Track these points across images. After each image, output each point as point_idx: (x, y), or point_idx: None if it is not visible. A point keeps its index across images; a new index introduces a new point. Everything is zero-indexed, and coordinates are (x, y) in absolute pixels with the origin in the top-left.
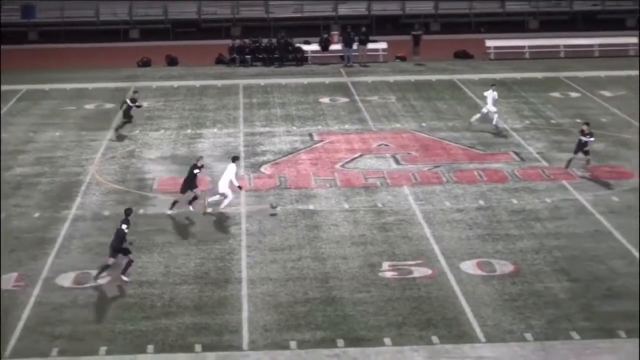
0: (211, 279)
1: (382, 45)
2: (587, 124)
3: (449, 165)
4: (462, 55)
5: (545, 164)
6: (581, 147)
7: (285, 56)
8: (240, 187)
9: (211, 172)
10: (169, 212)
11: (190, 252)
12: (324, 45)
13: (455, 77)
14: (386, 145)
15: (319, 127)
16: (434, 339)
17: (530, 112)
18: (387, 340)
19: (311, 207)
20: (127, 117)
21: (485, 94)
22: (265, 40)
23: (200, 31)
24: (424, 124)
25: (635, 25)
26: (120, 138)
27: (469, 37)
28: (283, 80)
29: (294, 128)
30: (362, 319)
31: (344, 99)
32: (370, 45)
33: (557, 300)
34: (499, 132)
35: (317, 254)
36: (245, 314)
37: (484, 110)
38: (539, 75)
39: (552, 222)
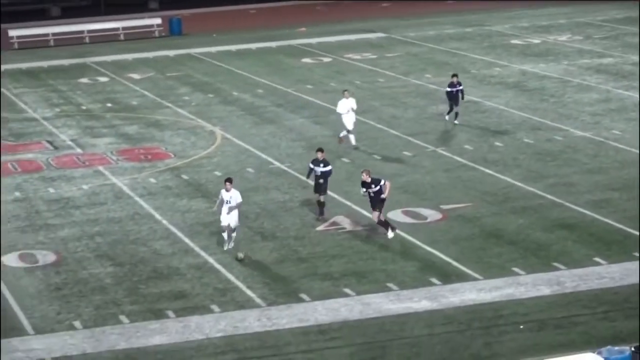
0: None
1: None
2: None
3: None
4: None
5: (79, 150)
6: None
7: None
8: None
9: None
10: None
11: None
12: None
13: None
14: None
15: None
16: None
17: (60, 100)
18: None
19: None
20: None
21: None
22: None
23: None
24: None
25: (157, 7)
26: None
27: None
28: None
29: None
30: None
31: None
32: None
33: (103, 285)
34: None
35: None
36: None
37: None
38: (65, 62)
39: (91, 208)
